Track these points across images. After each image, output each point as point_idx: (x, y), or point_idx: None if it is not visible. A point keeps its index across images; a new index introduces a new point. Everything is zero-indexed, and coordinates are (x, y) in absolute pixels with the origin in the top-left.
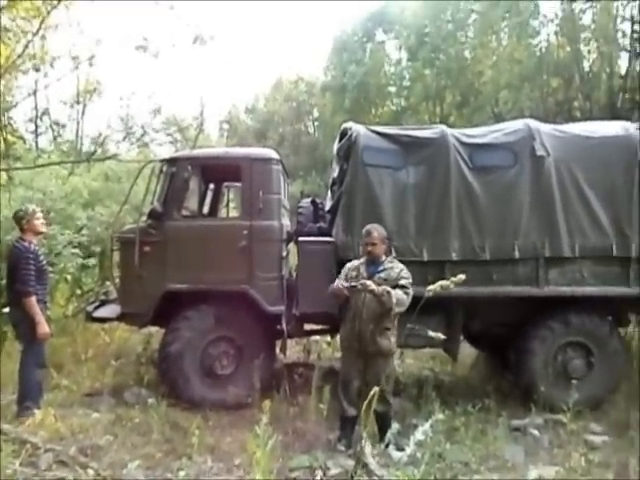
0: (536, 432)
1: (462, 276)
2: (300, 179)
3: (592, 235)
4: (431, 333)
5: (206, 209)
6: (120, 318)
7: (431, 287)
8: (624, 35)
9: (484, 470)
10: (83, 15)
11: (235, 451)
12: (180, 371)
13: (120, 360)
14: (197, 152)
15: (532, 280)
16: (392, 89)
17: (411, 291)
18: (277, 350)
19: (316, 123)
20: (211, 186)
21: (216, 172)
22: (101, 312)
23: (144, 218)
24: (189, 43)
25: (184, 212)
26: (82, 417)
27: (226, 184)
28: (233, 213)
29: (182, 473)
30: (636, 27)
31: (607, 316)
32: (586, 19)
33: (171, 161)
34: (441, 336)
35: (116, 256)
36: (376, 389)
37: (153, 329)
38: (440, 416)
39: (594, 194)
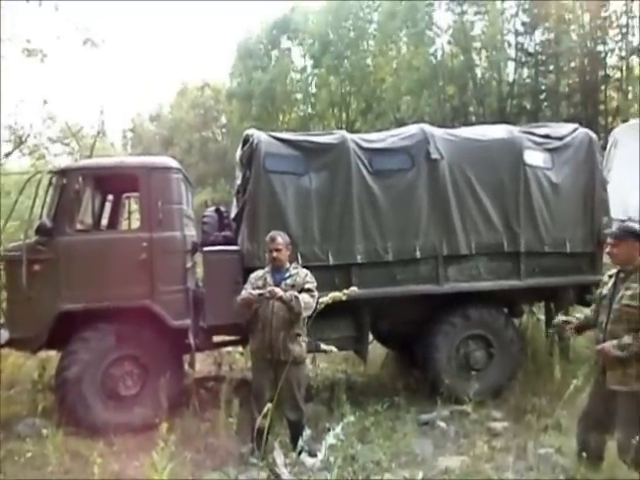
0: (443, 424)
1: (354, 288)
2: (209, 187)
3: (485, 233)
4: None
5: (105, 222)
6: (9, 344)
7: (323, 299)
8: (510, 46)
9: (395, 467)
10: None
11: (142, 476)
12: (79, 396)
13: (14, 389)
14: (89, 162)
15: (433, 278)
16: (299, 96)
17: (316, 294)
18: (186, 365)
19: (224, 130)
20: (109, 197)
21: (112, 183)
22: None
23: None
24: (83, 49)
25: (78, 226)
26: None
27: (126, 195)
28: (136, 225)
29: None
30: (520, 39)
31: (503, 308)
32: (476, 30)
33: (61, 172)
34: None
35: (2, 277)
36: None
37: (52, 353)
38: (351, 418)
39: (485, 194)
